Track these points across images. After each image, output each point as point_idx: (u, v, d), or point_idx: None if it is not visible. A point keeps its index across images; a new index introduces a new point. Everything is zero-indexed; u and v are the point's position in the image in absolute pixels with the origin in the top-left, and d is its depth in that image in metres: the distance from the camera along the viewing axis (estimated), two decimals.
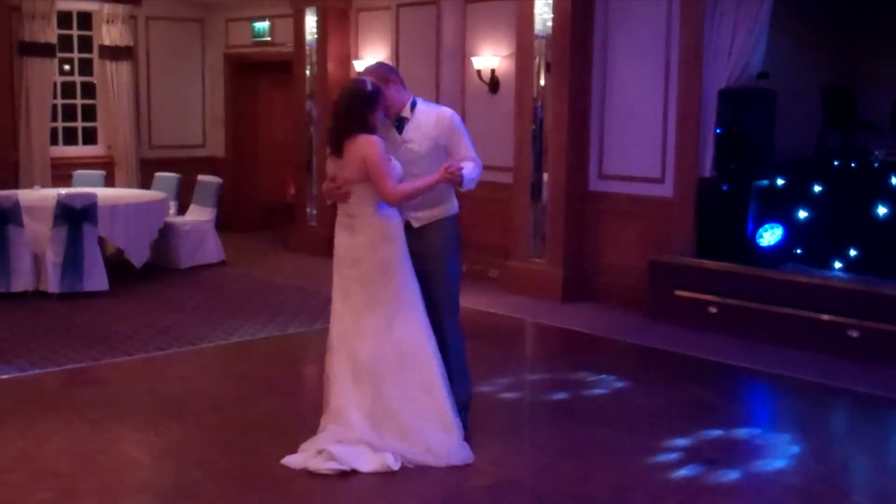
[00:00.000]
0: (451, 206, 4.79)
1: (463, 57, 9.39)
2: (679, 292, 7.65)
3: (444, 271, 4.69)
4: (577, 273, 8.57)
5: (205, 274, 9.72)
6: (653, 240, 8.15)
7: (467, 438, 4.59)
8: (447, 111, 4.72)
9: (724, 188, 7.76)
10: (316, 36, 10.76)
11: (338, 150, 4.50)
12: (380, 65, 4.76)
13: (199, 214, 10.26)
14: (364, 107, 4.47)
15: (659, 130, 8.14)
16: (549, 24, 8.35)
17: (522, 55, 8.55)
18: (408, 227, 4.63)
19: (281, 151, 12.44)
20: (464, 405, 4.75)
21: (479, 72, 9.25)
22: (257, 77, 12.58)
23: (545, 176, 8.45)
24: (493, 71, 9.22)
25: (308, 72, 10.98)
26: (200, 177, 10.58)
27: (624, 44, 8.22)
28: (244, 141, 12.75)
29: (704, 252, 7.75)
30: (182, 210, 10.45)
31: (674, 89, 7.96)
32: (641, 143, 8.23)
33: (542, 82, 8.56)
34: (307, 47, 10.90)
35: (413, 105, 4.72)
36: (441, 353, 4.55)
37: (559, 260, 8.52)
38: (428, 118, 4.68)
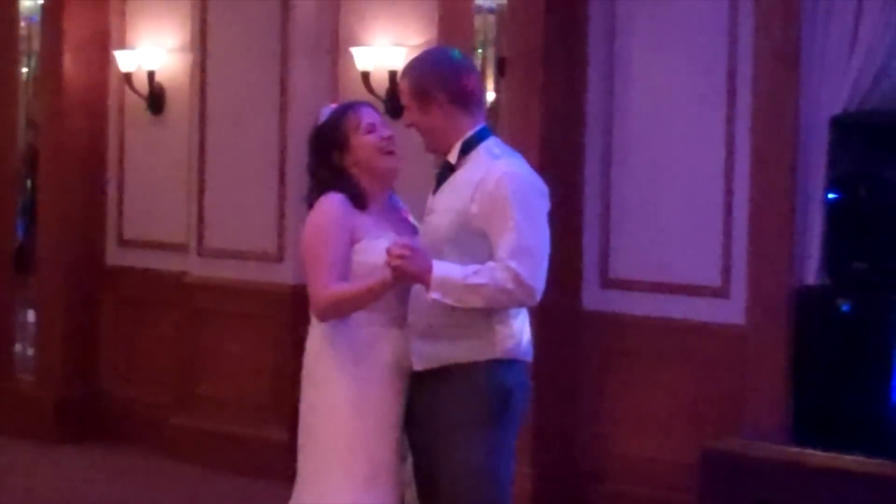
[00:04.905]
0: (499, 342, 4.75)
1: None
2: None
3: (460, 474, 4.68)
4: (556, 476, 8.19)
5: None
6: (708, 408, 7.85)
7: None
8: (501, 167, 4.88)
9: (845, 308, 7.50)
10: (41, 2, 10.78)
11: None
12: (423, 58, 5.10)
13: None
14: (316, 154, 5.05)
15: (718, 197, 7.91)
16: None
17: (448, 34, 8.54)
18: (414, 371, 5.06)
19: None
20: None
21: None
22: None
23: None
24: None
25: (25, 70, 10.79)
26: None
27: (649, 31, 8.15)
28: None
29: (809, 433, 7.43)
30: None
31: (744, 118, 7.75)
32: (684, 220, 8.07)
33: (490, 95, 8.54)
34: (23, 23, 10.74)
35: (472, 143, 4.91)
36: None
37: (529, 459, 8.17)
38: (475, 173, 4.89)
